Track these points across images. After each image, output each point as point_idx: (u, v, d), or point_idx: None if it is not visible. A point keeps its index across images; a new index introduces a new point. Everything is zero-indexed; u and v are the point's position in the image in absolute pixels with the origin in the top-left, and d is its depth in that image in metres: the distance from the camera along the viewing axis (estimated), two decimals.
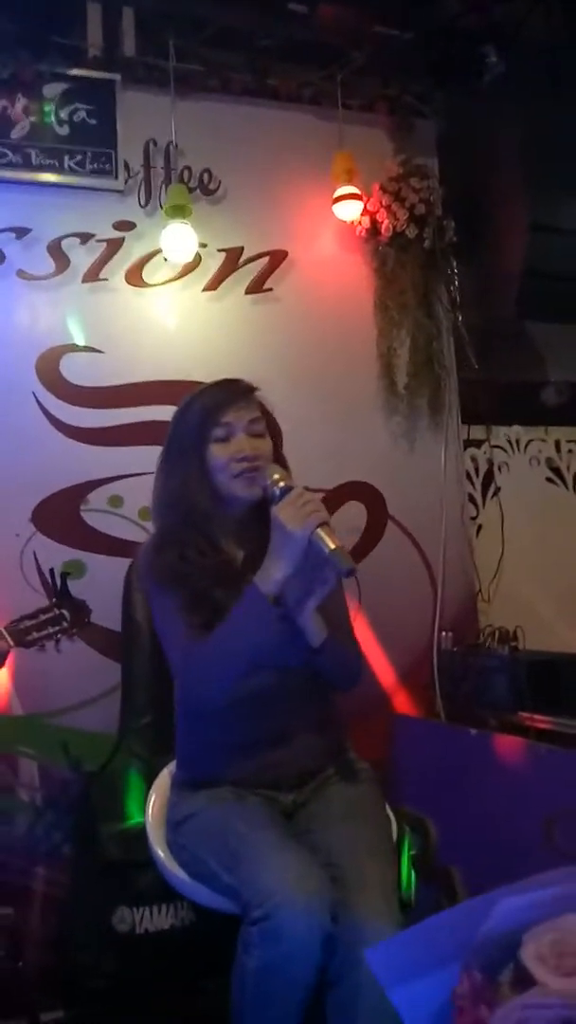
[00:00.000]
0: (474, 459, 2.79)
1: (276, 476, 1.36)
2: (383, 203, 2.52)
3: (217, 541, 1.44)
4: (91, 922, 1.93)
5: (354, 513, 2.56)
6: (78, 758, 2.18)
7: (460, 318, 2.69)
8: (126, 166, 2.41)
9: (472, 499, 2.77)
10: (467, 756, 2.09)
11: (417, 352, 2.60)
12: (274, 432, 1.51)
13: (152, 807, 1.47)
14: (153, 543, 1.48)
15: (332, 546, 1.24)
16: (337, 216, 2.52)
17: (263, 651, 1.30)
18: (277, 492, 1.33)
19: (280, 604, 1.29)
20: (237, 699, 1.34)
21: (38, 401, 2.30)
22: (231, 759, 1.40)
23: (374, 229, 2.55)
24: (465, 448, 2.75)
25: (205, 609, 1.35)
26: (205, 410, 1.43)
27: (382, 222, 2.52)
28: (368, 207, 2.53)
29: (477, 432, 2.79)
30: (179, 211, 2.31)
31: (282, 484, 1.34)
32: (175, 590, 1.39)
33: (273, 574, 1.28)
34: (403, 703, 2.48)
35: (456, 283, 2.68)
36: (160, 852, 1.38)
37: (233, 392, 1.46)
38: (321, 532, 1.25)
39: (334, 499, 2.51)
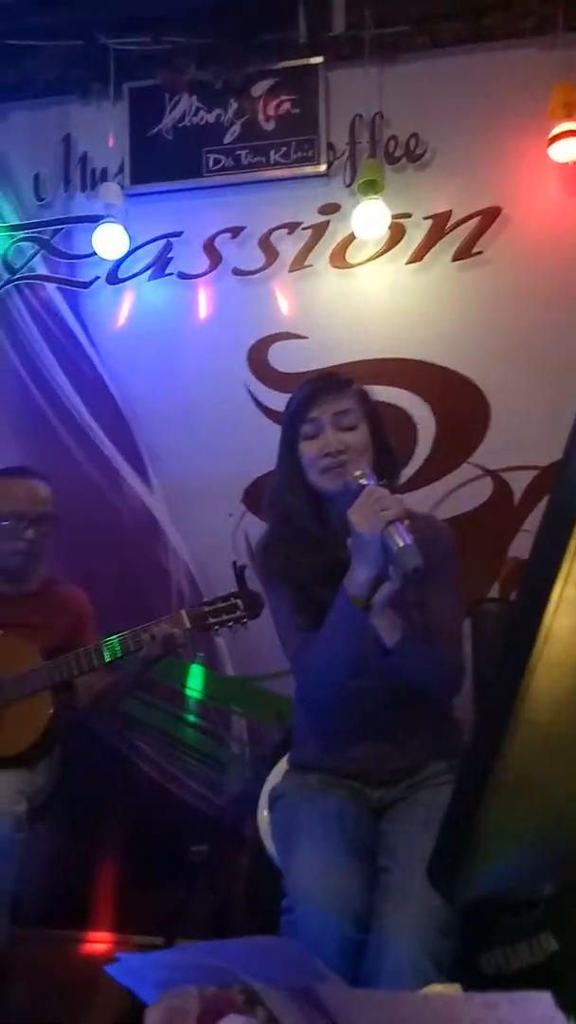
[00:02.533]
0: None
1: (357, 473, 1.31)
2: None
3: (321, 538, 1.44)
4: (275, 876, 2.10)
5: None
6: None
7: None
8: (330, 147, 2.44)
9: None
10: None
11: None
12: (378, 423, 1.45)
13: (269, 781, 1.56)
14: (261, 542, 1.52)
15: (400, 544, 1.18)
16: (553, 159, 2.24)
17: (355, 652, 1.29)
18: (355, 489, 1.30)
19: (370, 606, 1.26)
20: (336, 695, 1.35)
21: (248, 390, 2.47)
22: (326, 748, 1.41)
23: None
24: None
25: (312, 608, 1.37)
26: (295, 407, 1.43)
27: None
28: None
29: None
30: (371, 187, 2.27)
31: (361, 480, 1.30)
32: (284, 590, 1.43)
33: (356, 576, 1.26)
34: None
35: None
36: (261, 825, 1.47)
37: (321, 386, 1.43)
38: (390, 530, 1.19)
39: (549, 477, 2.29)
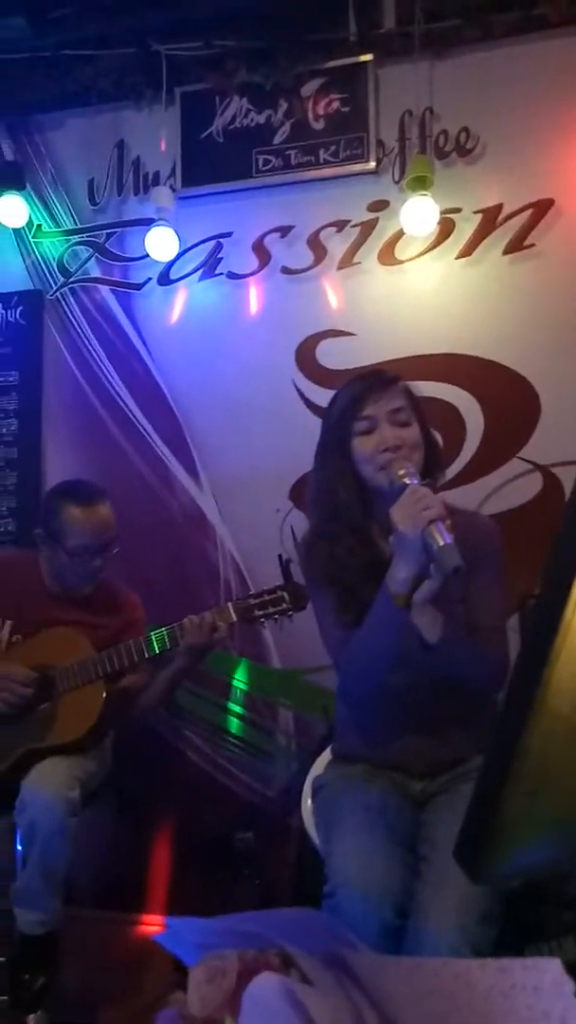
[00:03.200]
0: None
1: (401, 472, 1.32)
2: None
3: (368, 536, 1.45)
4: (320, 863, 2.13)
5: None
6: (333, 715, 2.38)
7: None
8: (380, 144, 2.44)
9: None
10: None
11: None
12: (423, 419, 1.45)
13: (312, 771, 1.58)
14: (305, 540, 1.53)
15: (440, 543, 1.19)
16: None
17: (397, 649, 1.30)
18: (398, 488, 1.31)
19: (411, 603, 1.28)
20: (379, 690, 1.37)
21: (296, 387, 2.50)
22: (370, 740, 1.43)
23: None
24: None
25: (355, 607, 1.38)
26: (346, 404, 1.44)
27: None
28: None
29: None
30: (420, 183, 2.27)
31: (404, 479, 1.30)
32: (327, 588, 1.44)
33: (398, 574, 1.27)
34: None
35: None
36: (305, 813, 1.50)
37: (373, 383, 1.44)
38: (432, 529, 1.20)
39: None
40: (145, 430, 2.64)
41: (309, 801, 1.48)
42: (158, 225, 2.48)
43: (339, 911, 1.15)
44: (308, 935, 0.50)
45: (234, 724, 2.49)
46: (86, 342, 2.72)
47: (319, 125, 2.49)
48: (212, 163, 2.58)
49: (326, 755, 1.57)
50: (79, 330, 2.73)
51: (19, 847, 1.72)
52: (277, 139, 2.53)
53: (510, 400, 2.32)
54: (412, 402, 1.43)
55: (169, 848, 2.42)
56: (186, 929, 0.54)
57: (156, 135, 2.64)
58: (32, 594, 2.03)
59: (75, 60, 2.67)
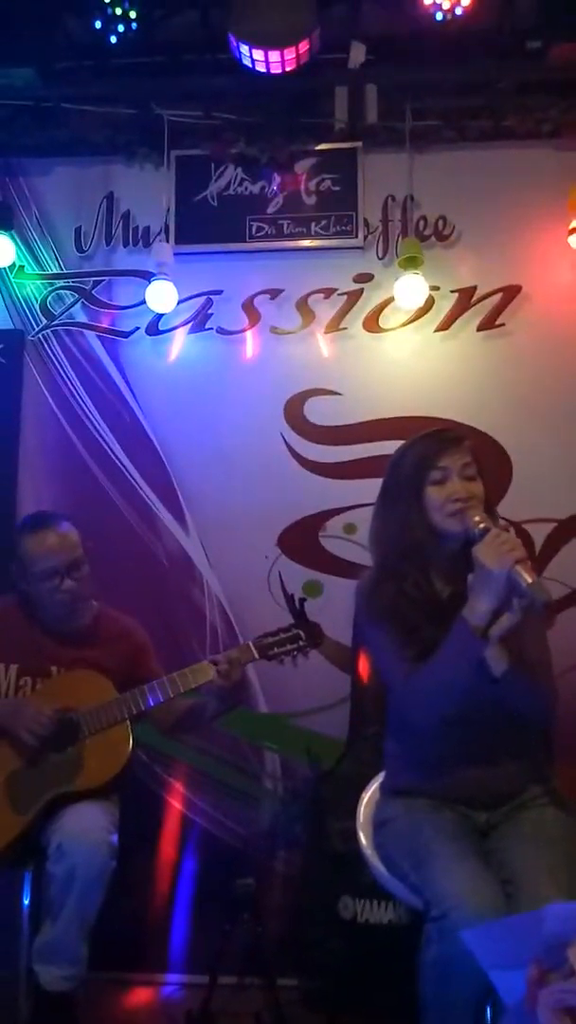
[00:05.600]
0: None
1: (477, 518, 1.48)
2: None
3: (430, 576, 1.59)
4: (320, 905, 2.18)
5: None
6: (318, 757, 2.45)
7: None
8: (366, 223, 2.66)
9: None
10: None
11: None
12: (484, 476, 1.62)
13: (363, 808, 1.67)
14: (373, 576, 1.65)
15: (529, 580, 1.34)
16: (573, 247, 2.52)
17: (470, 680, 1.42)
18: (477, 533, 1.46)
19: (486, 637, 1.41)
20: (446, 721, 1.48)
21: (284, 440, 2.63)
22: (432, 775, 1.54)
23: None
24: None
25: (418, 641, 1.51)
26: (423, 455, 1.59)
27: None
28: None
29: None
30: (412, 262, 2.49)
31: (482, 526, 1.46)
32: (392, 622, 1.56)
33: (478, 608, 1.41)
34: None
35: None
36: (366, 848, 1.58)
37: (448, 440, 1.61)
38: (519, 568, 1.35)
39: (567, 528, 2.53)
40: (130, 474, 2.67)
41: (364, 839, 1.56)
42: (158, 279, 2.56)
43: (451, 931, 1.23)
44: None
45: (220, 770, 2.51)
46: (69, 385, 2.73)
47: (311, 200, 2.69)
48: (205, 224, 2.71)
49: (373, 795, 1.66)
50: (62, 373, 2.73)
51: (53, 897, 1.67)
52: (270, 209, 2.69)
53: (485, 462, 2.53)
54: (477, 459, 1.60)
55: (164, 900, 2.39)
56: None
57: (148, 192, 2.73)
58: (26, 637, 2.01)
59: (70, 112, 2.74)
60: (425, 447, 1.60)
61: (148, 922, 2.40)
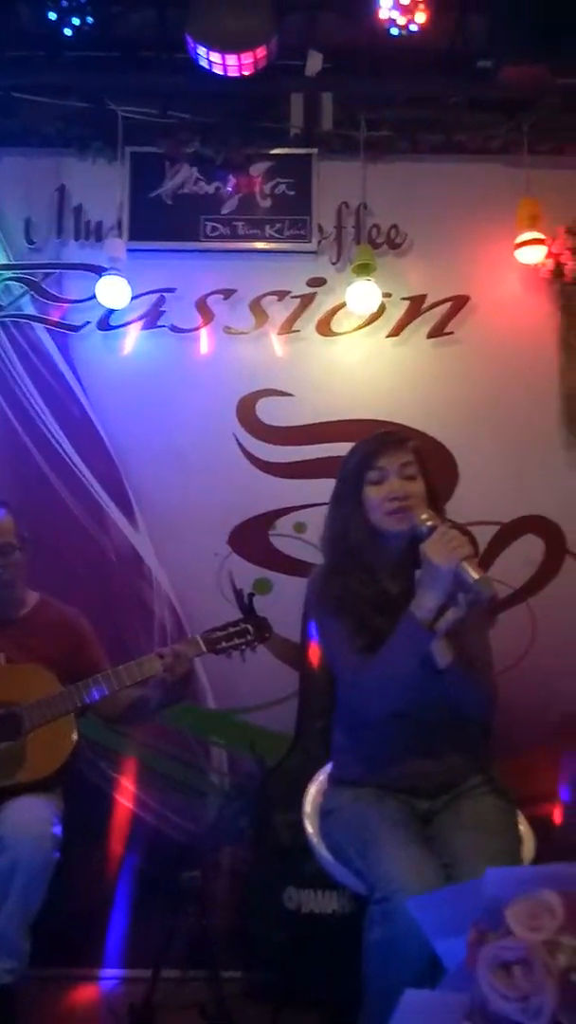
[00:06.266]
0: None
1: (424, 516, 1.54)
2: (567, 245, 2.59)
3: (376, 573, 1.64)
4: (265, 897, 2.22)
5: (531, 547, 2.63)
6: (262, 753, 2.49)
7: None
8: (320, 229, 2.71)
9: None
10: None
11: None
12: (429, 475, 1.68)
13: (310, 798, 1.71)
14: (321, 573, 1.70)
15: (476, 576, 1.40)
16: (519, 260, 2.62)
17: (416, 671, 1.48)
18: (425, 530, 1.51)
19: (433, 630, 1.47)
20: (394, 712, 1.53)
21: (236, 439, 2.66)
22: (379, 766, 1.59)
23: (558, 271, 2.62)
24: None
25: (367, 634, 1.56)
26: (362, 456, 1.64)
27: (566, 264, 2.59)
28: (552, 250, 2.60)
29: None
30: (364, 269, 2.55)
31: (429, 523, 1.51)
32: (341, 617, 1.60)
33: (425, 603, 1.46)
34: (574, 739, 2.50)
35: None
36: (312, 836, 1.62)
37: (388, 441, 1.66)
38: (465, 564, 1.41)
39: (510, 532, 2.62)
40: (79, 469, 2.66)
41: (310, 827, 1.60)
42: (110, 274, 2.56)
43: (394, 913, 1.28)
44: None
45: (166, 764, 2.52)
46: (16, 377, 2.69)
47: (266, 203, 2.72)
48: (159, 222, 2.71)
49: (320, 785, 1.70)
50: (9, 364, 2.70)
51: None
52: (225, 209, 2.72)
53: (433, 465, 2.61)
54: (420, 460, 1.65)
55: (107, 894, 2.38)
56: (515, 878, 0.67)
57: (100, 186, 2.72)
58: None
59: (21, 102, 2.71)
60: (366, 448, 1.66)
61: (92, 918, 2.39)
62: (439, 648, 1.47)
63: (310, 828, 1.63)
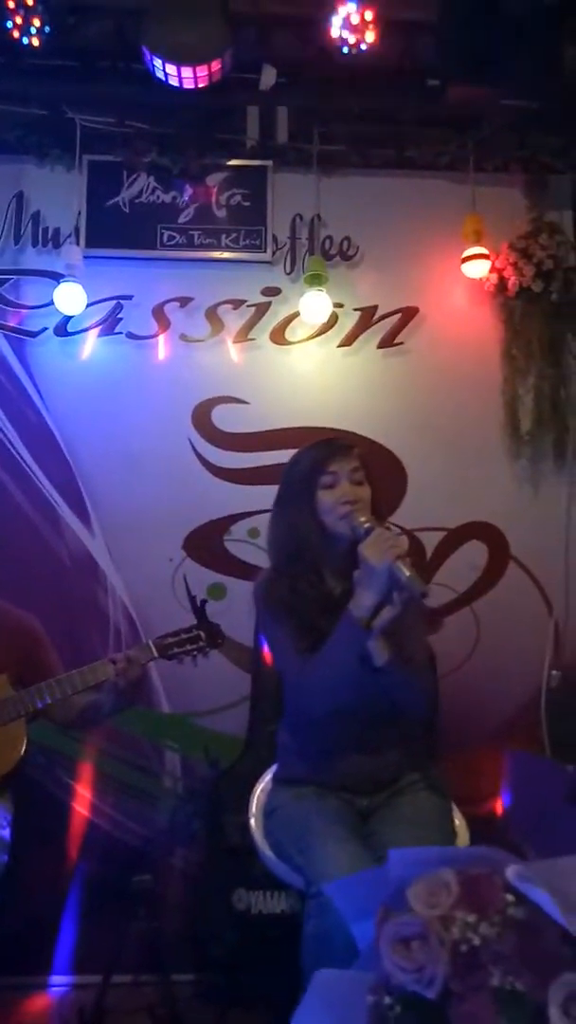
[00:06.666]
0: None
1: (362, 519, 1.59)
2: (510, 260, 2.67)
3: (322, 575, 1.69)
4: (215, 898, 2.24)
5: (476, 552, 2.70)
6: (216, 757, 2.52)
7: None
8: (274, 239, 2.76)
9: None
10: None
11: (542, 399, 2.71)
12: (373, 481, 1.73)
13: (256, 798, 1.75)
14: (267, 576, 1.74)
15: (408, 573, 1.46)
16: (466, 274, 2.70)
17: (355, 669, 1.52)
18: (362, 532, 1.57)
19: (370, 628, 1.52)
20: (336, 710, 1.57)
21: (192, 445, 2.69)
22: (318, 764, 1.64)
23: (501, 285, 2.70)
24: None
25: (311, 635, 1.60)
26: (314, 461, 1.69)
27: (509, 278, 2.67)
28: (496, 264, 2.69)
29: None
30: (316, 280, 2.61)
31: (367, 525, 1.57)
32: (287, 619, 1.64)
33: (362, 601, 1.51)
34: (515, 739, 2.57)
35: None
36: (256, 835, 1.66)
37: (337, 447, 1.71)
38: (399, 563, 1.47)
39: (456, 537, 2.69)
40: (34, 474, 2.66)
41: (254, 825, 1.63)
42: (67, 281, 2.58)
43: (327, 906, 1.32)
44: (492, 862, 0.71)
45: (118, 769, 2.53)
46: None
47: (221, 214, 2.77)
48: (116, 230, 2.74)
49: (267, 784, 1.74)
50: None
51: None
52: (182, 219, 2.76)
53: (382, 472, 2.67)
54: (365, 466, 1.70)
55: (59, 900, 2.38)
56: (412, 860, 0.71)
57: (59, 193, 2.74)
58: None
59: None
60: (317, 453, 1.70)
61: (43, 924, 2.39)
62: (376, 646, 1.52)
63: (255, 828, 1.67)
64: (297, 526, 1.67)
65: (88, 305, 2.67)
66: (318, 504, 1.66)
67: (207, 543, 2.65)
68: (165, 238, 2.74)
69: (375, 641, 1.52)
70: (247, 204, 2.76)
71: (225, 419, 2.71)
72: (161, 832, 2.52)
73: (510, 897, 0.65)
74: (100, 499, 2.65)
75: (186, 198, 2.76)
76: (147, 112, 2.74)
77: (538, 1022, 0.58)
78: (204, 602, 2.10)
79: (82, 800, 2.50)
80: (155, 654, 1.98)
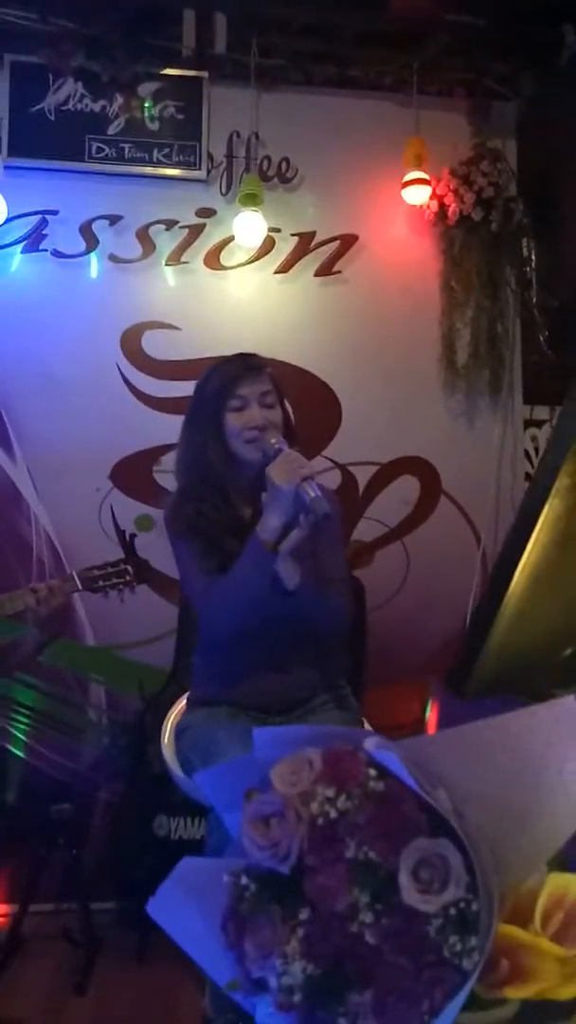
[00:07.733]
0: (535, 439, 2.82)
1: (273, 441, 1.54)
2: (451, 187, 2.60)
3: (230, 498, 1.64)
4: (136, 826, 2.23)
5: (408, 486, 2.69)
6: (149, 689, 2.48)
7: (534, 299, 2.74)
8: (210, 157, 2.63)
9: (530, 478, 2.82)
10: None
11: (479, 332, 2.68)
12: (284, 403, 1.68)
13: (169, 721, 1.73)
14: (175, 499, 1.69)
15: (312, 495, 1.42)
16: (406, 200, 2.62)
17: (262, 592, 1.49)
18: (271, 453, 1.52)
19: (278, 550, 1.48)
20: (243, 631, 1.54)
21: (121, 372, 2.59)
22: (230, 683, 1.62)
23: (442, 212, 2.63)
24: (526, 428, 2.80)
25: (218, 556, 1.57)
26: (223, 382, 1.62)
27: (449, 206, 2.60)
28: (436, 191, 2.61)
29: (541, 412, 2.82)
30: (251, 199, 2.50)
31: (276, 446, 1.52)
32: (192, 540, 1.60)
33: (269, 524, 1.48)
34: (442, 669, 2.59)
35: (532, 264, 2.73)
36: (167, 755, 1.64)
37: (248, 367, 1.64)
38: (305, 484, 1.43)
39: (388, 472, 2.66)
40: None
41: (168, 746, 1.61)
42: None
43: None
44: (354, 740, 0.68)
45: (42, 701, 2.48)
46: None
47: (154, 126, 2.62)
48: (41, 138, 2.57)
49: (181, 706, 1.71)
50: None
51: None
52: (112, 130, 2.60)
53: (316, 404, 2.63)
54: (276, 387, 1.64)
55: None
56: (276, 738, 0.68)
57: None
58: None
59: None
60: (226, 373, 1.63)
61: None
62: (286, 569, 1.49)
63: (166, 748, 1.64)
64: (204, 449, 1.62)
65: (9, 219, 2.52)
66: (226, 428, 1.61)
67: (136, 473, 2.57)
68: (94, 150, 2.59)
69: (285, 563, 1.48)
70: (181, 117, 2.62)
71: (156, 345, 2.61)
72: (87, 764, 2.48)
73: (372, 772, 0.63)
74: (23, 427, 2.54)
75: (116, 108, 2.60)
76: (74, 9, 2.56)
77: (389, 888, 0.56)
78: (133, 536, 2.06)
79: (3, 733, 2.45)
80: (79, 586, 1.94)
